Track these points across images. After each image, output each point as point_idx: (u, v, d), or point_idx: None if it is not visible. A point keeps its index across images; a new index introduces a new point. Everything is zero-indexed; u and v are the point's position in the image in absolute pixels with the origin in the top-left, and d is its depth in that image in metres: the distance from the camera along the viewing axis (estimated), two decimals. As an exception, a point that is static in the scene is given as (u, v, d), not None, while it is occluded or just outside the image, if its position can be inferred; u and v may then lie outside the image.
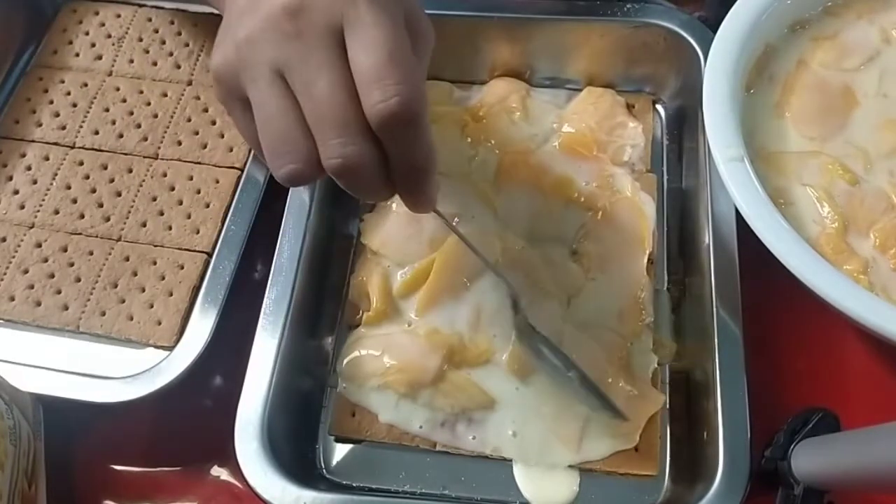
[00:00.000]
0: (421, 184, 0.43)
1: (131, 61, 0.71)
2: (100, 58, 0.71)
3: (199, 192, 0.64)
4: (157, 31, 0.72)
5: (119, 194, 0.64)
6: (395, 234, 0.62)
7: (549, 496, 0.55)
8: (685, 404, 0.57)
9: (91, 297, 0.60)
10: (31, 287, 0.61)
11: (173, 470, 0.58)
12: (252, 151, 0.64)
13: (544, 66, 0.70)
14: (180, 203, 0.64)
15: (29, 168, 0.66)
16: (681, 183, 0.66)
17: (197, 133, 0.67)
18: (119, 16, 0.73)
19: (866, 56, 0.60)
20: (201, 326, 0.56)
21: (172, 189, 0.64)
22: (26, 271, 0.61)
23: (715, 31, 0.59)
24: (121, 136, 0.67)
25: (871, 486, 0.50)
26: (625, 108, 0.68)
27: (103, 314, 0.59)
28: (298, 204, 0.60)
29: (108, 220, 0.63)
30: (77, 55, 0.71)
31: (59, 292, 0.60)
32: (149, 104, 0.68)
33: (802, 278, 0.49)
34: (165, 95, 0.69)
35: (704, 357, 0.54)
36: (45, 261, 0.62)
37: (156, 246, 0.62)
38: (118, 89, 0.69)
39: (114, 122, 0.67)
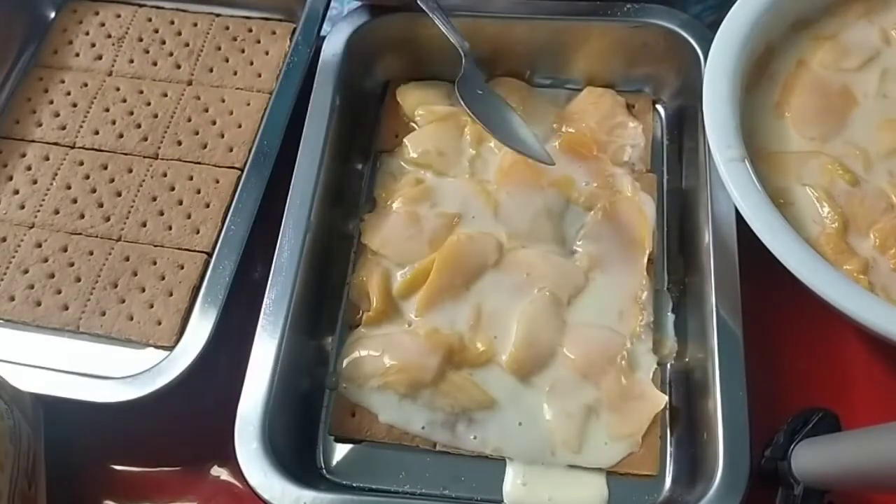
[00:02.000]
0: None
1: (131, 61, 0.71)
2: (100, 58, 0.71)
3: (199, 192, 0.64)
4: (157, 31, 0.72)
5: (119, 194, 0.64)
6: (395, 234, 0.62)
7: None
8: (685, 404, 0.57)
9: (91, 297, 0.60)
10: (31, 287, 0.61)
11: (173, 470, 0.58)
12: (252, 151, 0.63)
13: (544, 66, 0.70)
14: (180, 203, 0.64)
15: (29, 168, 0.66)
16: (681, 183, 0.66)
17: (197, 133, 0.67)
18: (119, 16, 0.73)
19: (866, 56, 0.60)
20: (201, 326, 0.56)
21: (172, 189, 0.64)
22: (26, 271, 0.61)
23: (715, 32, 0.59)
24: (121, 136, 0.67)
25: (871, 486, 0.50)
26: (625, 108, 0.68)
27: (103, 314, 0.59)
28: (298, 204, 0.59)
29: (108, 220, 0.63)
30: (77, 55, 0.71)
31: (59, 292, 0.60)
32: (149, 104, 0.68)
33: (802, 278, 0.49)
34: (165, 95, 0.69)
35: (704, 357, 0.54)
36: (45, 261, 0.62)
37: (156, 246, 0.62)
38: (118, 89, 0.69)
39: (114, 122, 0.67)
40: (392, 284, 0.61)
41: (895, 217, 0.54)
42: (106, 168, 0.65)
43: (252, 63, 0.70)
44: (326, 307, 0.62)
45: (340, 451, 0.58)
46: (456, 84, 0.64)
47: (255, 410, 0.52)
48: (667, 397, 0.57)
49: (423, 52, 0.70)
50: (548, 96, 0.70)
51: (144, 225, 0.63)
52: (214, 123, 0.67)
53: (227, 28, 0.72)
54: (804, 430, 0.52)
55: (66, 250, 0.62)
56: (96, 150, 0.66)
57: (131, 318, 0.59)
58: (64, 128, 0.67)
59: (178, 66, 0.70)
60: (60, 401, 0.55)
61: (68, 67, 0.71)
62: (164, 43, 0.71)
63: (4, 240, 0.63)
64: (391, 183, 0.66)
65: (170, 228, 0.63)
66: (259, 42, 0.71)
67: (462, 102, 0.63)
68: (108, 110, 0.68)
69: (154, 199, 0.64)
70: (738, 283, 0.55)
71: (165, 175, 0.65)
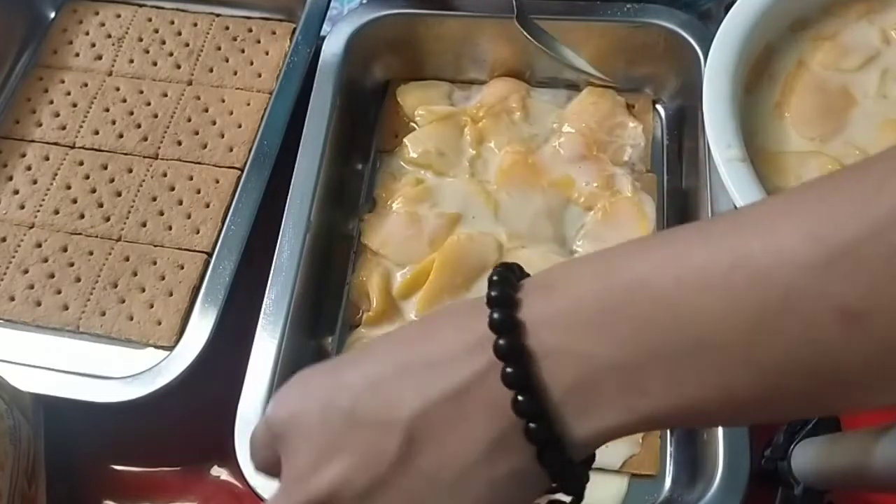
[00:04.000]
0: None
1: (131, 61, 0.71)
2: (100, 58, 0.71)
3: (199, 192, 0.64)
4: (157, 31, 0.72)
5: (119, 194, 0.64)
6: (395, 234, 0.62)
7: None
8: (685, 404, 0.57)
9: (91, 297, 0.60)
10: (31, 287, 0.61)
11: (173, 470, 0.58)
12: (252, 151, 0.63)
13: (544, 66, 0.70)
14: (180, 203, 0.64)
15: (29, 168, 0.66)
16: (681, 183, 0.66)
17: (197, 133, 0.67)
18: (119, 16, 0.73)
19: (866, 56, 0.60)
20: (201, 326, 0.56)
21: (172, 189, 0.64)
22: (26, 271, 0.61)
23: (714, 29, 0.59)
24: (121, 136, 0.67)
25: (871, 486, 0.50)
26: (625, 108, 0.68)
27: (103, 314, 0.59)
28: (298, 204, 0.59)
29: (108, 220, 0.63)
30: (77, 55, 0.71)
31: (59, 292, 0.60)
32: (149, 104, 0.68)
33: (802, 278, 0.49)
34: (165, 95, 0.69)
35: (704, 357, 0.54)
36: (45, 261, 0.62)
37: (156, 246, 0.62)
38: (118, 89, 0.69)
39: (114, 122, 0.67)
40: (392, 284, 0.61)
41: (895, 217, 0.54)
42: (106, 168, 0.65)
43: (252, 63, 0.70)
44: (326, 307, 0.62)
45: (340, 451, 0.58)
46: (515, 20, 0.65)
47: (255, 410, 0.52)
48: (667, 397, 0.57)
49: (423, 52, 0.70)
50: (548, 96, 0.70)
51: (144, 225, 0.63)
52: (214, 123, 0.67)
53: (227, 28, 0.72)
54: (804, 430, 0.52)
55: (66, 250, 0.62)
56: (96, 150, 0.66)
57: (131, 318, 0.59)
58: (64, 128, 0.67)
59: (178, 66, 0.70)
60: (60, 401, 0.54)
61: (68, 67, 0.71)
62: (164, 43, 0.71)
63: (4, 240, 0.63)
64: (391, 183, 0.66)
65: (170, 228, 0.63)
66: (259, 42, 0.71)
67: (525, 34, 0.65)
68: (108, 110, 0.68)
69: (154, 199, 0.64)
70: (738, 283, 0.55)
71: (165, 175, 0.65)
